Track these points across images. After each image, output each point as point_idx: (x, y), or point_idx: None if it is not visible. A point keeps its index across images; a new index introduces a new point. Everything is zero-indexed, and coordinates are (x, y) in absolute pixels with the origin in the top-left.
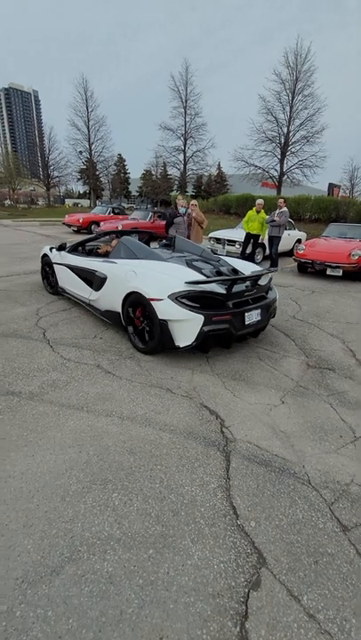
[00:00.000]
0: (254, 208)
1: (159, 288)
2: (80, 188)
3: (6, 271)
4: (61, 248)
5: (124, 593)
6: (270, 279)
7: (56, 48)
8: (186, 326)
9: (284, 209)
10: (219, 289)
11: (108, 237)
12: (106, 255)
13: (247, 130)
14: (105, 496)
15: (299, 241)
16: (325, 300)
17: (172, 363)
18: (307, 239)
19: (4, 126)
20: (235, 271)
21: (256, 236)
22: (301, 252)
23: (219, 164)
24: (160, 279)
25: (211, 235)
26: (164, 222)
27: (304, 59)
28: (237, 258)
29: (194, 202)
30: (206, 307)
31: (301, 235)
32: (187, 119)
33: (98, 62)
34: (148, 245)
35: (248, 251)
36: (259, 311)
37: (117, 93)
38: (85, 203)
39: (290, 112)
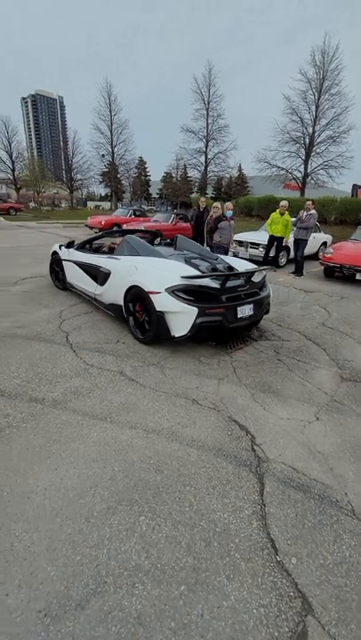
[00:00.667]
0: (278, 210)
1: (157, 282)
2: (101, 190)
3: (31, 272)
4: (70, 245)
5: (155, 637)
6: (264, 276)
7: (77, 51)
8: (181, 318)
9: (313, 211)
10: (213, 284)
11: (113, 236)
12: (111, 251)
13: (270, 131)
14: (131, 519)
15: (324, 244)
16: (356, 306)
17: (198, 372)
18: (333, 242)
19: (30, 131)
20: (230, 269)
21: (280, 239)
22: (329, 255)
23: (240, 166)
24: (158, 274)
25: (233, 237)
26: (185, 225)
27: (331, 57)
28: (260, 261)
29: (216, 204)
30: (201, 300)
31: (327, 237)
32: (209, 121)
33: (119, 65)
34: (152, 244)
35: (271, 254)
36: (251, 306)
37: (139, 96)
38: (106, 205)
39: (315, 111)
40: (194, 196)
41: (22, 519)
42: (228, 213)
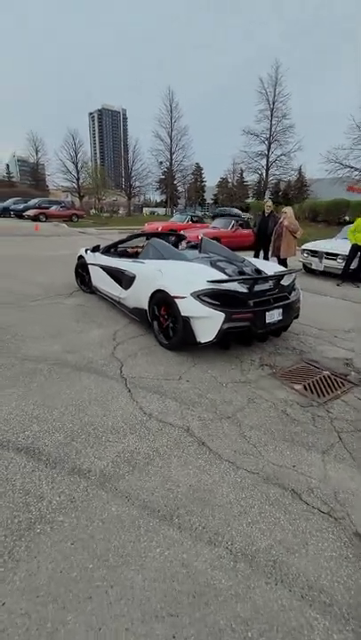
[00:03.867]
0: None
1: (183, 286)
2: (157, 197)
3: None
4: (95, 249)
5: None
6: (294, 279)
7: (136, 58)
8: (207, 323)
9: None
10: (240, 288)
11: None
12: (136, 255)
13: (343, 128)
14: None
15: None
16: None
17: (289, 435)
18: None
19: (95, 143)
20: (258, 272)
21: None
22: None
23: (300, 169)
24: (184, 278)
25: (305, 246)
26: (245, 231)
27: None
28: (338, 274)
29: (286, 209)
30: (228, 305)
31: None
32: (273, 122)
33: (182, 70)
34: (177, 247)
35: (353, 266)
36: (280, 311)
37: (196, 102)
38: (161, 211)
39: None
40: (250, 200)
41: None
42: None
